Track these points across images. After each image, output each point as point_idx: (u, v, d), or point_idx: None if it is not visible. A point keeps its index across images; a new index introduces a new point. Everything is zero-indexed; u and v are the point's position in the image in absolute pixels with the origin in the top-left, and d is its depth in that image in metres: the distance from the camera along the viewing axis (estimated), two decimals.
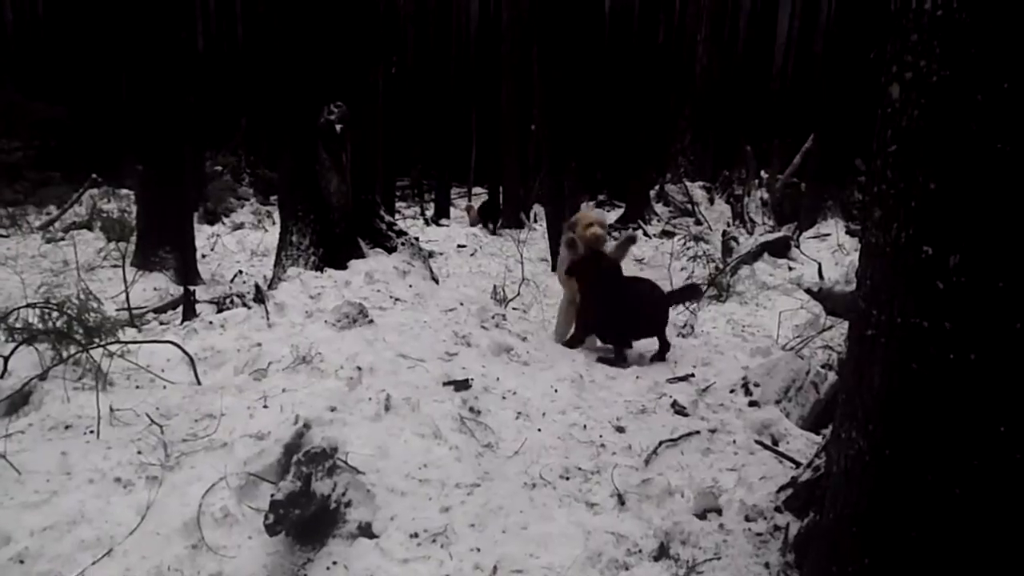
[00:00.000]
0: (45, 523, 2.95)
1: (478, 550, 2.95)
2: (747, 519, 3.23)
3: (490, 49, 23.46)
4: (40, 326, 4.37)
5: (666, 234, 13.65)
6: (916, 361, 2.18)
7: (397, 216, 14.92)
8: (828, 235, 10.97)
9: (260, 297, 5.26)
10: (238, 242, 11.35)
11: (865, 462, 2.36)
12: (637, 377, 5.03)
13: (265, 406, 3.76)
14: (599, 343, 5.87)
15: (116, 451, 3.39)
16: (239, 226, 13.32)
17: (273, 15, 7.51)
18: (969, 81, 2.01)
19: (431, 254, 6.65)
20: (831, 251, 10.11)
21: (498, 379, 4.38)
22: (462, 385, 4.17)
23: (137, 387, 4.02)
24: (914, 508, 2.23)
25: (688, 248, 10.11)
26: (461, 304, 5.59)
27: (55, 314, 4.46)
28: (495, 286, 7.84)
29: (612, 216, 15.93)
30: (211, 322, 4.91)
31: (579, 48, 11.53)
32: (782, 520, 3.15)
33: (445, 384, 4.17)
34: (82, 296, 4.97)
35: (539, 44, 12.43)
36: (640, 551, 3.02)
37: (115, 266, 8.08)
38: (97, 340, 4.31)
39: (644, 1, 19.19)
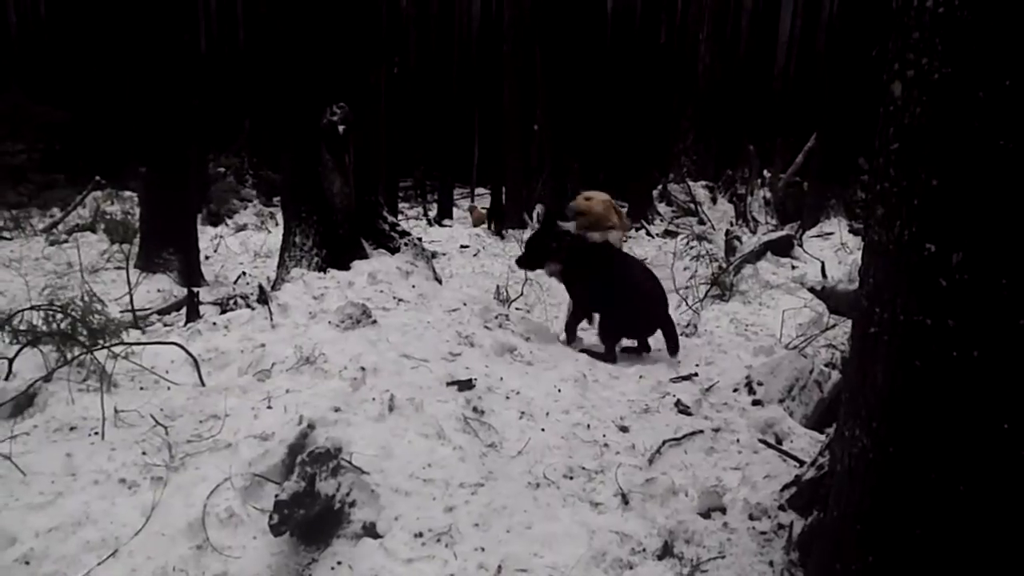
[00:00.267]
0: (50, 524, 2.96)
1: (482, 549, 2.96)
2: (751, 518, 3.23)
3: (492, 50, 23.49)
4: (44, 328, 4.38)
5: (669, 234, 13.66)
6: (919, 359, 2.18)
7: (400, 217, 14.94)
8: (831, 234, 10.97)
9: (263, 298, 5.27)
10: (241, 244, 11.37)
11: (869, 460, 2.36)
12: (640, 376, 5.03)
13: (269, 407, 3.77)
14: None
15: (121, 452, 3.40)
16: (242, 228, 13.34)
17: (275, 17, 7.54)
18: (971, 78, 2.01)
19: (434, 254, 6.66)
20: (834, 250, 10.11)
21: (501, 379, 4.39)
22: (466, 385, 4.17)
23: (141, 388, 4.03)
24: (918, 506, 2.23)
25: (691, 247, 10.11)
26: (464, 304, 5.60)
27: (59, 316, 4.47)
28: (498, 286, 7.85)
29: None
30: (215, 323, 4.92)
31: (581, 48, 11.56)
32: (786, 518, 3.15)
33: (449, 384, 4.17)
34: (86, 298, 4.99)
35: (541, 45, 12.45)
36: (644, 550, 3.02)
37: (119, 268, 8.09)
38: (101, 342, 4.32)
39: (646, 1, 19.20)
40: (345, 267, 5.88)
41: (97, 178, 13.45)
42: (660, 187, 17.77)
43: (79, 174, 14.62)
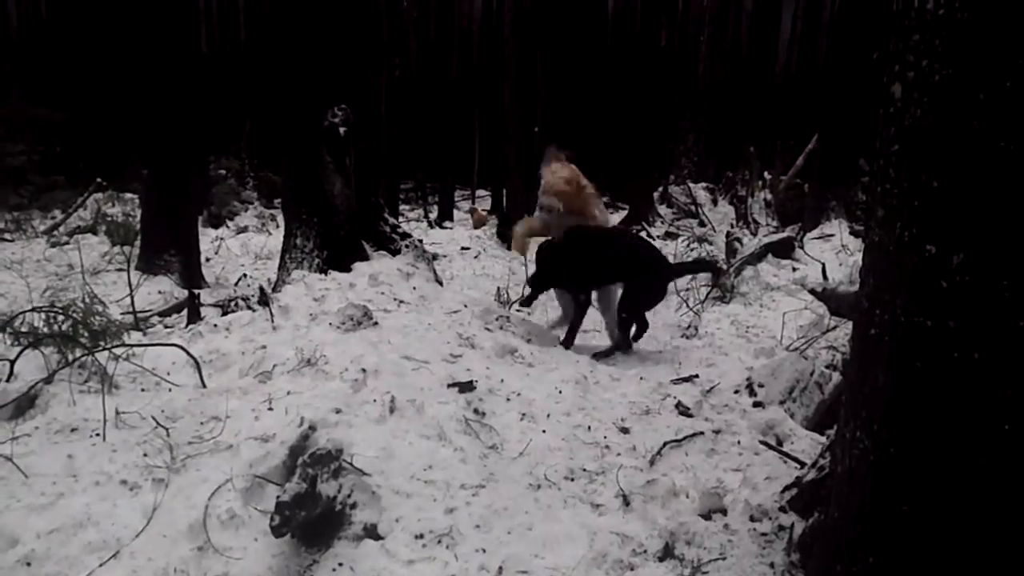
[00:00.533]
0: (52, 525, 2.96)
1: (483, 551, 2.96)
2: (752, 519, 3.23)
3: (493, 52, 23.49)
4: (46, 330, 4.38)
5: (670, 236, 13.65)
6: (920, 360, 2.18)
7: (401, 219, 14.93)
8: (832, 236, 10.97)
9: (264, 300, 5.27)
10: (242, 245, 11.37)
11: (870, 461, 2.36)
12: (641, 378, 5.03)
13: (270, 408, 3.77)
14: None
15: (122, 454, 3.40)
16: (243, 229, 13.34)
17: (276, 19, 7.54)
18: (971, 80, 2.02)
19: (435, 256, 6.66)
20: (835, 252, 10.11)
21: (502, 381, 4.39)
22: (466, 387, 4.17)
23: (143, 390, 4.03)
24: (919, 507, 2.23)
25: (692, 249, 10.12)
26: (465, 306, 5.61)
27: (60, 318, 4.48)
28: (499, 288, 7.85)
29: (616, 218, 15.94)
30: (216, 325, 4.92)
31: (582, 50, 11.56)
32: (787, 520, 3.15)
33: (449, 386, 4.17)
34: (87, 300, 5.00)
35: (542, 47, 12.46)
36: (645, 551, 3.03)
37: (120, 270, 8.10)
38: (102, 343, 4.33)
39: (646, 3, 19.21)
40: (346, 269, 5.88)
41: (98, 180, 13.47)
42: (661, 189, 17.79)
43: (80, 176, 14.65)
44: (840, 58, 12.64)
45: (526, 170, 15.41)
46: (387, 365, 4.23)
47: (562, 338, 5.90)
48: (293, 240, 6.14)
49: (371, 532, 3.06)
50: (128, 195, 13.55)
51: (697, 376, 5.15)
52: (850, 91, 11.61)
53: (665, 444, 3.87)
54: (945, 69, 2.07)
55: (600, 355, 5.47)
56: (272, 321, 4.83)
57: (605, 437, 3.95)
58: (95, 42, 20.12)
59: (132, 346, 4.31)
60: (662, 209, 16.72)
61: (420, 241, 6.88)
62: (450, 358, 4.61)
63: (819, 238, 11.05)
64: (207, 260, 9.62)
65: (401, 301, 5.46)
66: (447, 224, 18.06)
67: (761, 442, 4.01)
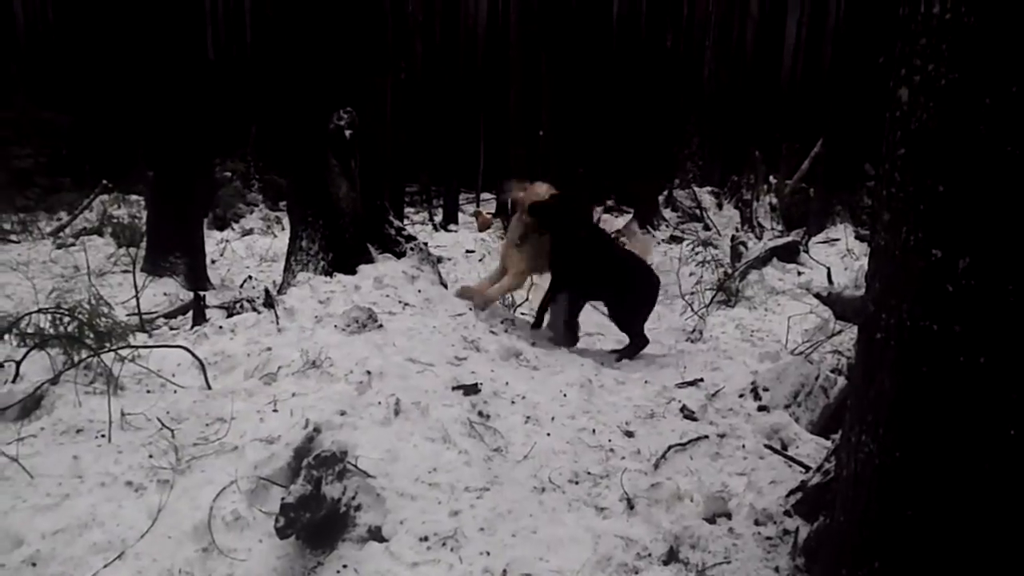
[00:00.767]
0: (57, 526, 2.97)
1: (488, 554, 2.96)
2: (757, 523, 3.23)
3: (498, 56, 23.50)
4: (52, 331, 4.40)
5: (674, 239, 13.66)
6: (926, 364, 2.18)
7: (406, 221, 14.93)
8: (837, 240, 10.97)
9: (270, 302, 5.28)
10: (247, 248, 11.39)
11: (875, 465, 2.35)
12: (646, 382, 5.03)
13: (275, 410, 3.78)
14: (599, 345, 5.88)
15: (127, 455, 3.41)
16: (248, 232, 13.35)
17: (282, 22, 7.56)
18: (977, 84, 2.02)
19: (440, 259, 6.66)
20: (840, 256, 10.11)
21: (507, 383, 4.39)
22: (471, 389, 4.18)
23: (148, 391, 4.04)
24: (924, 511, 2.23)
25: (697, 253, 10.11)
26: (470, 309, 5.61)
27: (66, 319, 4.49)
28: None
29: (621, 222, 15.94)
30: (221, 327, 4.93)
31: (587, 54, 11.55)
32: (792, 524, 3.14)
33: (454, 388, 4.18)
34: (93, 301, 5.02)
35: (547, 50, 12.46)
36: (649, 555, 3.02)
37: (125, 271, 8.12)
38: (108, 345, 4.34)
39: (652, 7, 19.22)
40: (351, 271, 5.88)
41: (104, 182, 13.50)
42: (666, 193, 17.77)
43: (86, 178, 14.67)
44: (845, 62, 12.65)
45: (531, 173, 15.46)
46: (392, 367, 4.23)
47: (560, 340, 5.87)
48: (298, 242, 6.15)
49: (375, 534, 3.06)
50: (134, 197, 13.56)
51: (702, 380, 5.14)
52: (855, 95, 11.62)
53: (670, 448, 3.87)
54: (951, 73, 2.07)
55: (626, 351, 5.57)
56: (277, 323, 4.83)
57: (610, 440, 3.94)
58: (101, 45, 20.16)
59: (138, 347, 4.32)
60: (667, 213, 16.71)
61: (425, 244, 6.88)
62: (455, 361, 4.61)
63: (824, 242, 11.05)
64: (212, 262, 9.63)
65: (406, 304, 5.46)
66: (452, 227, 18.06)
67: (766, 446, 4.01)
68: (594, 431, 4.02)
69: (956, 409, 2.13)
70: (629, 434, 4.08)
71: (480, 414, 3.97)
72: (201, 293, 6.40)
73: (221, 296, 7.50)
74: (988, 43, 1.99)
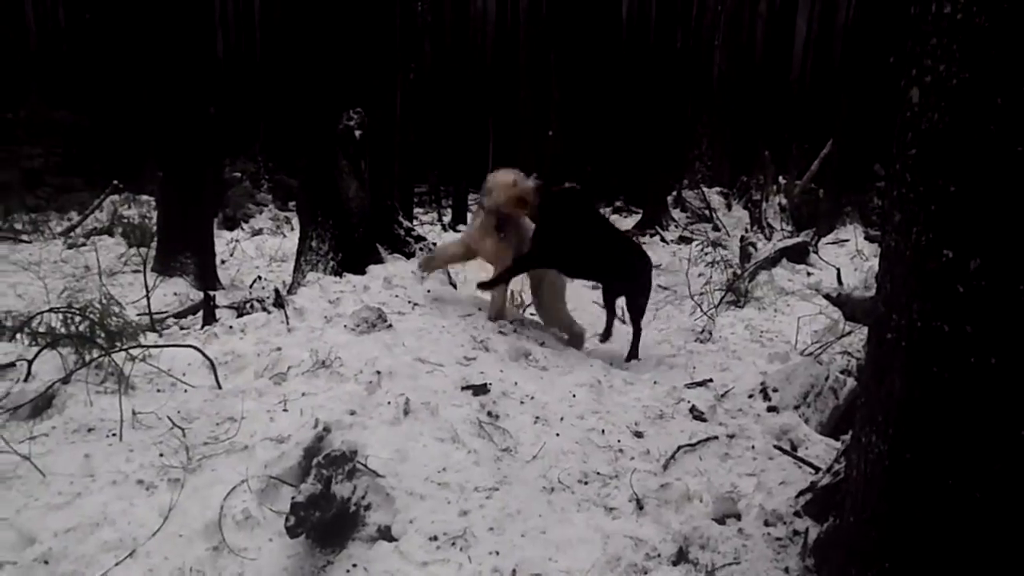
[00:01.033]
0: (69, 524, 2.98)
1: (497, 553, 2.96)
2: (766, 524, 3.22)
3: (507, 56, 23.51)
4: (63, 330, 4.42)
5: (684, 240, 13.64)
6: (936, 365, 2.17)
7: (415, 222, 14.95)
8: (847, 241, 10.94)
9: (280, 302, 5.29)
10: (257, 248, 11.42)
11: (885, 466, 2.35)
12: (655, 382, 5.03)
13: (285, 410, 3.79)
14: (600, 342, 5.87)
15: (138, 454, 3.42)
16: (258, 232, 13.39)
17: (292, 24, 7.59)
18: (989, 84, 2.01)
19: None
20: (850, 257, 10.08)
21: (516, 384, 4.39)
22: (480, 389, 4.18)
23: (159, 391, 4.05)
24: (934, 512, 2.22)
25: (706, 254, 10.09)
26: (479, 309, 5.61)
27: (78, 318, 4.51)
28: (512, 291, 7.84)
29: (629, 222, 15.93)
30: (231, 327, 4.95)
31: (596, 55, 11.56)
32: (801, 525, 3.14)
33: (463, 388, 4.18)
34: (104, 301, 5.04)
35: (556, 51, 12.47)
36: (659, 555, 3.02)
37: (136, 271, 8.15)
38: (119, 344, 4.36)
39: (661, 7, 19.19)
40: (361, 271, 5.90)
41: (114, 182, 13.55)
42: (675, 193, 17.74)
43: (96, 178, 14.73)
44: (855, 62, 12.61)
45: (540, 172, 15.48)
46: (401, 367, 4.24)
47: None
48: (308, 242, 6.17)
49: (385, 534, 3.07)
50: (144, 197, 13.62)
51: (711, 380, 5.14)
52: (865, 95, 11.59)
53: (679, 448, 3.86)
54: (963, 73, 2.07)
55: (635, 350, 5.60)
56: (287, 323, 4.85)
57: (619, 441, 3.94)
58: (112, 46, 20.25)
59: (148, 347, 4.34)
60: (676, 213, 16.68)
61: (434, 244, 6.89)
62: (464, 361, 4.61)
63: (834, 243, 11.02)
64: (222, 262, 9.67)
65: (415, 303, 5.47)
66: (461, 227, 18.05)
67: (775, 447, 4.00)
68: (603, 431, 4.02)
69: (966, 410, 2.13)
70: (638, 434, 4.08)
71: (489, 414, 3.97)
72: (211, 293, 6.42)
73: (231, 296, 7.53)
74: (999, 43, 1.99)
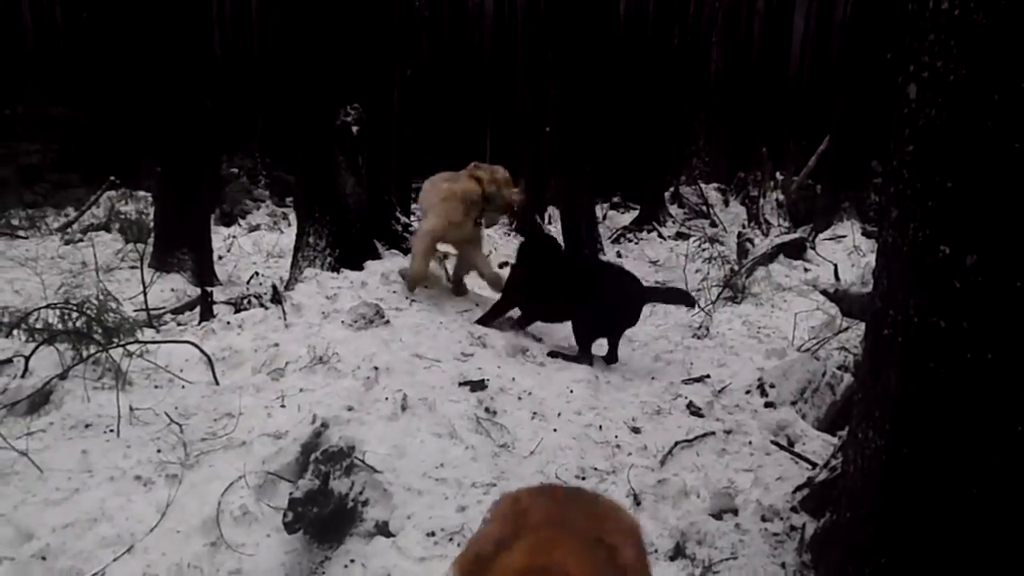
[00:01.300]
0: (67, 520, 2.99)
1: None
2: (763, 519, 3.23)
3: (505, 53, 23.47)
4: (60, 326, 4.41)
5: (681, 236, 13.61)
6: (933, 360, 2.18)
7: (412, 218, 14.93)
8: (844, 237, 10.93)
9: (277, 298, 5.29)
10: (254, 244, 11.39)
11: (882, 461, 2.36)
12: (652, 378, 5.03)
13: (283, 405, 3.79)
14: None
15: (136, 450, 3.43)
16: (255, 228, 13.36)
17: (290, 20, 7.57)
18: (986, 80, 2.01)
19: (446, 255, 6.65)
20: (847, 253, 10.08)
21: (514, 380, 4.40)
22: (478, 385, 4.19)
23: (156, 387, 4.06)
24: (931, 507, 2.23)
25: (703, 250, 10.07)
26: (476, 305, 5.62)
27: (75, 314, 4.51)
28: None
29: (627, 218, 15.92)
30: (229, 323, 4.95)
31: (593, 51, 11.52)
32: (798, 520, 3.15)
33: (461, 384, 4.19)
34: (101, 297, 5.02)
35: (554, 46, 12.44)
36: (656, 551, 3.03)
37: (133, 267, 8.13)
38: (116, 340, 4.35)
39: (658, 4, 19.17)
40: (358, 267, 5.90)
41: (111, 178, 13.51)
42: (672, 189, 17.71)
43: (93, 174, 14.68)
44: (853, 58, 12.60)
45: (538, 169, 15.44)
46: (399, 363, 4.24)
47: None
48: (306, 238, 6.16)
49: (383, 529, 3.07)
50: (141, 193, 13.58)
51: (708, 376, 5.14)
52: (863, 91, 11.57)
53: (676, 444, 3.87)
54: (960, 69, 2.07)
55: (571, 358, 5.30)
56: (285, 319, 4.85)
57: (616, 436, 3.95)
58: (109, 43, 20.20)
59: (146, 343, 4.34)
60: (673, 209, 16.64)
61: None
62: (461, 357, 4.62)
63: (831, 239, 11.02)
64: (219, 258, 9.64)
65: (413, 300, 5.47)
66: None
67: (772, 442, 4.01)
68: (600, 427, 4.03)
69: (963, 405, 2.14)
70: (635, 430, 4.09)
71: (487, 410, 3.98)
72: (208, 289, 6.41)
73: (228, 292, 7.52)
74: (997, 39, 1.99)
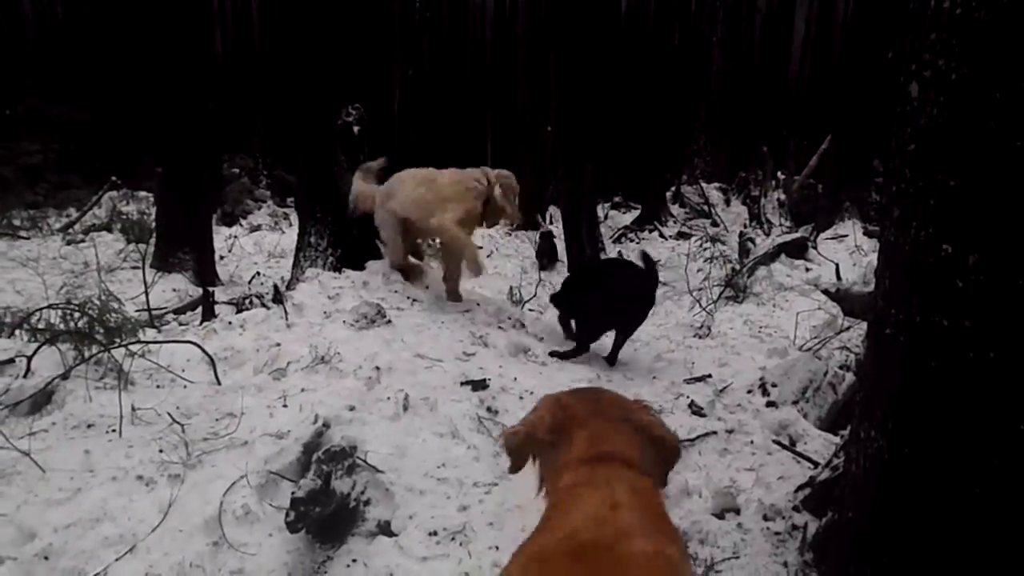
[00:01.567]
0: (69, 520, 2.99)
1: (496, 548, 2.96)
2: (765, 518, 3.23)
3: (506, 53, 23.47)
4: (62, 326, 4.42)
5: (682, 236, 13.61)
6: (935, 360, 2.18)
7: None
8: (845, 236, 10.94)
9: (279, 298, 5.30)
10: (255, 244, 11.41)
11: (884, 461, 2.36)
12: (654, 378, 5.04)
13: (285, 405, 3.79)
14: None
15: (138, 449, 3.43)
16: (256, 228, 13.38)
17: (291, 19, 7.58)
18: (988, 79, 2.01)
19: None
20: (848, 252, 10.08)
21: (515, 379, 4.40)
22: (480, 385, 4.19)
23: (158, 387, 4.06)
24: (933, 507, 2.23)
25: (704, 249, 10.08)
26: (478, 305, 5.62)
27: (77, 315, 4.51)
28: (511, 287, 7.86)
29: (628, 218, 15.92)
30: (230, 323, 4.95)
31: (595, 51, 11.52)
32: (800, 519, 3.15)
33: (463, 384, 4.19)
34: (103, 297, 5.03)
35: (555, 46, 12.45)
36: None
37: (135, 267, 8.15)
38: (118, 340, 4.36)
39: (659, 4, 19.18)
40: (360, 267, 5.89)
41: (113, 178, 13.54)
42: (673, 189, 17.73)
43: (95, 174, 14.72)
44: (854, 57, 12.60)
45: (538, 169, 15.44)
46: (401, 363, 4.24)
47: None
48: (307, 238, 6.16)
49: (385, 529, 3.07)
50: (143, 193, 13.62)
51: (710, 376, 5.14)
52: (864, 91, 11.58)
53: None
54: (962, 68, 2.07)
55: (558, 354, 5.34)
56: (286, 319, 4.85)
57: None
58: (110, 43, 20.22)
59: (147, 343, 4.34)
60: (675, 209, 16.65)
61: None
62: (463, 356, 4.62)
63: (833, 238, 11.02)
64: (221, 258, 9.66)
65: (414, 299, 5.47)
66: None
67: (774, 442, 4.01)
68: None
69: (965, 404, 2.13)
70: None
71: (489, 410, 3.98)
72: (210, 289, 6.42)
73: (230, 292, 7.54)
74: (998, 38, 1.99)
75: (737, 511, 3.31)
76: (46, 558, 2.83)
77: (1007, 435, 2.08)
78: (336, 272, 5.80)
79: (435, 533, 3.03)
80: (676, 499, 3.37)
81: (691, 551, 3.02)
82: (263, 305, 5.80)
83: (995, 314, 2.06)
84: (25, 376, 3.94)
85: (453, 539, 3.00)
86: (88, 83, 21.11)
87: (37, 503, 3.08)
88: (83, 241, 10.16)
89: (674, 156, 20.15)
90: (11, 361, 4.08)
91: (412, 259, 6.00)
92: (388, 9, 7.47)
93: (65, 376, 3.92)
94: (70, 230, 11.26)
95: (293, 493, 3.01)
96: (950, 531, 2.20)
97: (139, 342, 4.33)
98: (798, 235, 10.02)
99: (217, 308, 6.13)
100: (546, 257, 10.74)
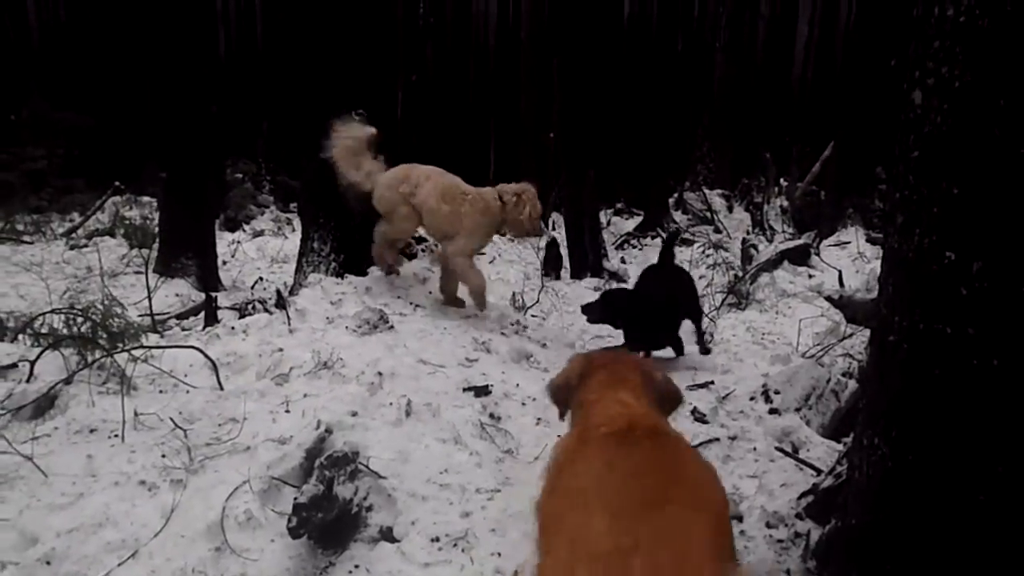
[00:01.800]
0: (71, 525, 2.99)
1: (499, 555, 2.96)
2: (768, 526, 3.23)
3: (509, 59, 23.51)
4: (65, 331, 4.43)
5: (685, 242, 13.60)
6: (939, 367, 2.17)
7: None
8: (848, 243, 10.92)
9: (281, 303, 5.30)
10: (258, 249, 11.41)
11: (887, 468, 2.35)
12: None
13: (287, 411, 3.79)
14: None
15: (140, 454, 3.43)
16: (259, 233, 13.37)
17: (294, 24, 7.59)
18: (992, 86, 2.01)
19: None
20: (851, 259, 10.07)
21: (518, 385, 4.39)
22: (482, 391, 4.18)
23: (161, 392, 4.06)
24: (937, 515, 2.22)
25: (707, 256, 10.09)
26: (480, 310, 5.61)
27: (80, 319, 4.52)
28: (514, 293, 7.86)
29: (631, 224, 15.92)
30: (233, 328, 4.95)
31: (598, 57, 11.54)
32: (803, 527, 3.14)
33: (465, 390, 4.19)
34: (106, 302, 5.05)
35: (558, 53, 12.48)
36: None
37: (138, 272, 8.16)
38: (121, 345, 4.37)
39: (662, 10, 19.21)
40: (363, 272, 5.90)
41: (116, 183, 13.57)
42: (676, 195, 17.72)
43: (98, 179, 14.74)
44: (857, 64, 12.62)
45: (541, 175, 15.46)
46: (403, 369, 4.24)
47: None
48: (310, 244, 6.16)
49: (387, 535, 3.07)
50: (146, 198, 13.63)
51: (713, 382, 5.14)
52: (867, 97, 11.59)
53: None
54: (965, 75, 2.07)
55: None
56: (289, 324, 4.85)
57: None
58: (114, 47, 20.27)
59: (150, 348, 4.35)
60: (677, 215, 16.63)
61: (436, 245, 6.88)
62: (466, 362, 4.62)
63: (836, 245, 11.01)
64: (224, 263, 9.66)
65: (417, 305, 5.48)
66: None
67: (777, 449, 4.01)
68: None
69: (969, 412, 2.13)
70: None
71: (491, 416, 3.97)
72: (213, 294, 6.43)
73: (233, 297, 7.54)
74: (1002, 45, 1.99)
75: (740, 518, 3.31)
76: (48, 563, 2.83)
77: (1011, 443, 2.08)
78: (339, 277, 5.80)
79: (437, 539, 3.02)
80: None
81: None
82: (266, 310, 5.80)
83: (999, 322, 2.05)
84: (28, 381, 3.94)
85: (455, 545, 3.00)
86: (92, 88, 21.15)
87: (39, 508, 3.08)
88: (86, 246, 10.17)
89: (677, 162, 20.14)
90: (14, 366, 4.09)
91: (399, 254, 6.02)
92: (392, 14, 7.46)
93: (68, 381, 3.92)
94: (73, 235, 11.27)
95: (295, 499, 3.01)
96: (954, 539, 2.19)
97: (142, 347, 4.34)
98: (801, 242, 10.02)
99: (220, 313, 6.13)
100: (552, 266, 10.74)
